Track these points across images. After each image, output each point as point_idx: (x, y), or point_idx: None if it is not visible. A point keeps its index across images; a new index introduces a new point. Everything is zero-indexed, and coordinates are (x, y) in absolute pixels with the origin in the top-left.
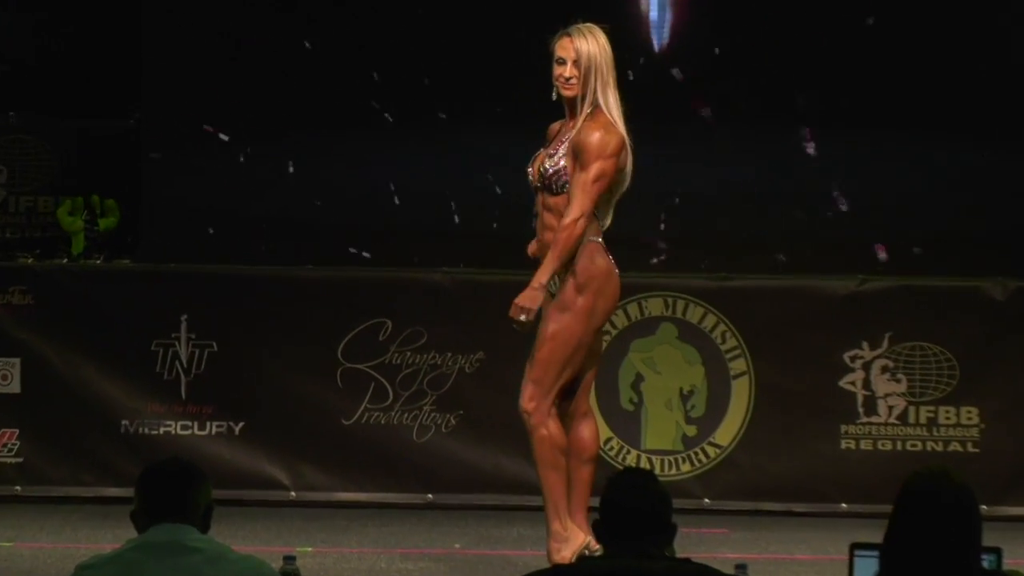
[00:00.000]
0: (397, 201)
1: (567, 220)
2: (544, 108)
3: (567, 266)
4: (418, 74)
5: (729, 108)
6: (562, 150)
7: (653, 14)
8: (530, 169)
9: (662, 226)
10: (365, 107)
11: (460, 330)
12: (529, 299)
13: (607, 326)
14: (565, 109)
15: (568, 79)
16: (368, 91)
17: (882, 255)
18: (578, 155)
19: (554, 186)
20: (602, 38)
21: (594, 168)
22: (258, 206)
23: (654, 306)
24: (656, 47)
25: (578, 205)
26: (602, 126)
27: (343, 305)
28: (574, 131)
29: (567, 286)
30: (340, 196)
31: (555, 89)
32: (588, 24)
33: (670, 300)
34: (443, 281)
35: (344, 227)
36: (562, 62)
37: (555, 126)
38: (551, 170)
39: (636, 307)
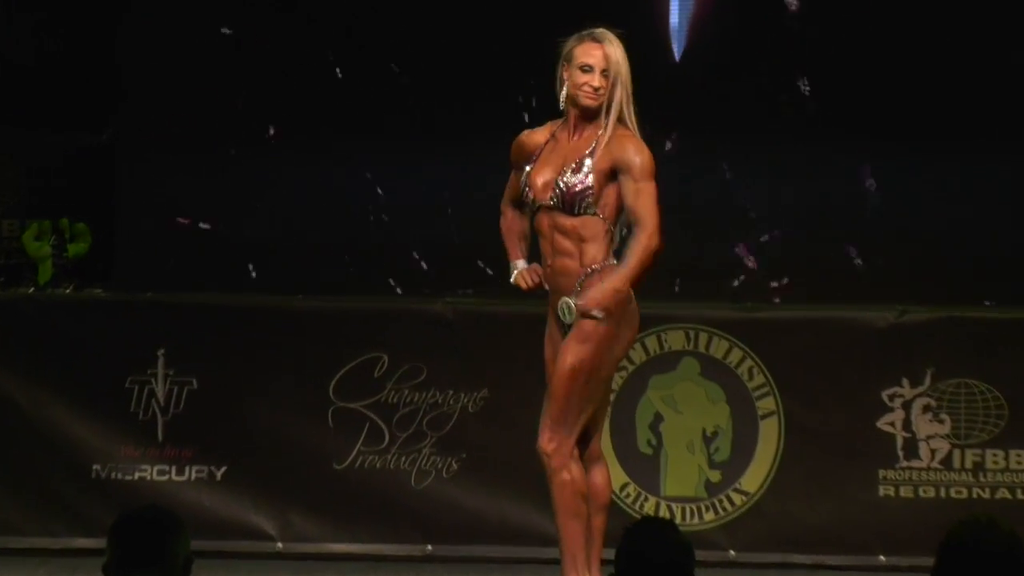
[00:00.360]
0: (395, 221)
1: (648, 231)
2: (551, 115)
3: (579, 295)
4: (419, 78)
5: (754, 121)
6: (588, 165)
7: (674, 19)
8: (530, 185)
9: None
10: (359, 118)
11: (463, 365)
12: (613, 299)
13: (623, 361)
14: (571, 119)
15: (597, 89)
16: (361, 101)
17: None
18: (625, 171)
19: (576, 206)
20: (621, 44)
21: (652, 185)
22: (243, 228)
23: (674, 339)
24: (677, 55)
25: (652, 218)
26: (642, 144)
27: (335, 338)
28: (599, 145)
29: (582, 321)
30: (333, 216)
31: (569, 97)
32: (603, 30)
33: (692, 333)
34: (445, 312)
35: (338, 250)
36: (589, 70)
37: (536, 136)
38: (576, 188)
39: (655, 340)
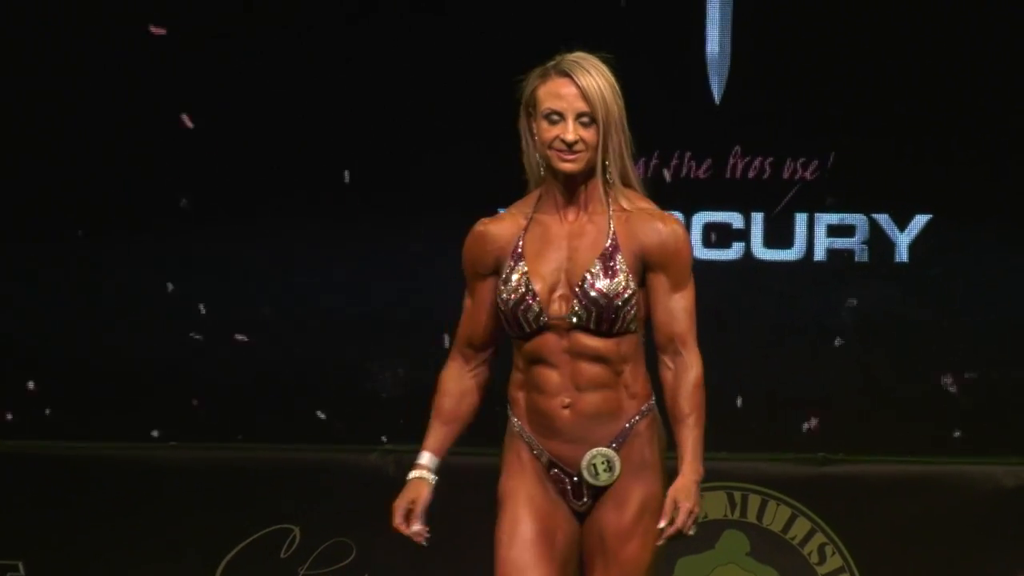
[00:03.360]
0: (307, 337)
1: (696, 372)
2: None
3: (628, 453)
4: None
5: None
6: (620, 262)
7: (712, 47)
8: (533, 294)
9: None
10: (266, 193)
11: (410, 542)
12: (698, 499)
13: None
14: (554, 192)
15: (571, 144)
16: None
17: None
18: (658, 267)
19: (618, 322)
20: (608, 73)
21: (693, 289)
22: (83, 345)
23: (713, 504)
24: (716, 95)
25: (695, 349)
26: (674, 221)
27: (224, 503)
28: (617, 228)
29: (643, 481)
30: (222, 330)
31: (540, 161)
32: (580, 54)
33: (737, 495)
34: (383, 464)
35: (221, 379)
36: (557, 119)
37: (504, 226)
38: (620, 298)
39: None
